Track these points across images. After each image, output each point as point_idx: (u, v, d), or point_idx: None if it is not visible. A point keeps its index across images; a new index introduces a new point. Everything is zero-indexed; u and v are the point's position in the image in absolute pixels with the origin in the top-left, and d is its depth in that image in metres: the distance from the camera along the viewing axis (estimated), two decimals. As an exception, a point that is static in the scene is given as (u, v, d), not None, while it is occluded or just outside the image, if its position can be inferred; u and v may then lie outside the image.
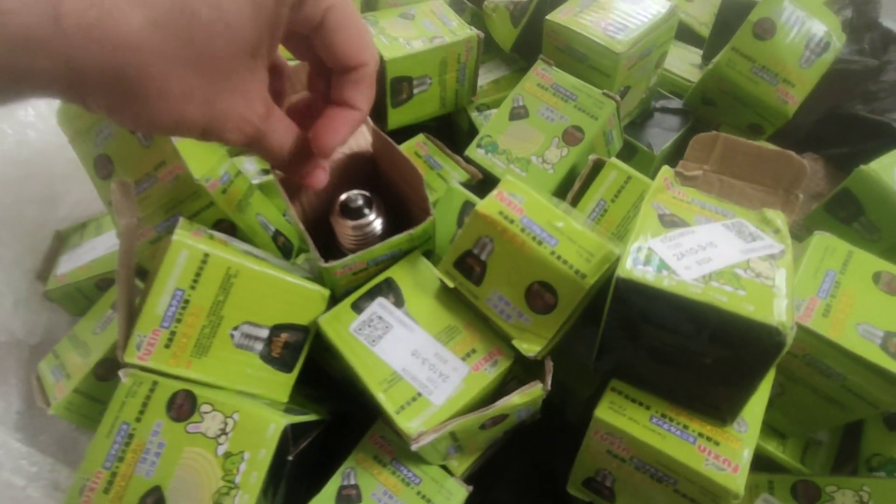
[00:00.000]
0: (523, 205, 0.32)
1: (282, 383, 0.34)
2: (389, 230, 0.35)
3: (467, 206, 0.41)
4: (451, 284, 0.33)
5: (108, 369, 0.38)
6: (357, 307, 0.33)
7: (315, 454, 0.35)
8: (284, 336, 0.33)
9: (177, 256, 0.30)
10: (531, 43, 0.54)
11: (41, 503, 0.33)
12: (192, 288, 0.30)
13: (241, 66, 0.23)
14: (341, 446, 0.36)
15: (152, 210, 0.38)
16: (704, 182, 0.36)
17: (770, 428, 0.38)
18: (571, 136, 0.42)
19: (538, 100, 0.43)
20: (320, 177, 0.29)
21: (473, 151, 0.44)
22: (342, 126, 0.27)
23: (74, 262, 0.46)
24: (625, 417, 0.29)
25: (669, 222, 0.29)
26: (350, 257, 0.32)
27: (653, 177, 0.39)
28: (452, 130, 0.58)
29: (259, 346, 0.32)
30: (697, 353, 0.27)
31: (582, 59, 0.46)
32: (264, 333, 0.32)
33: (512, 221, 0.31)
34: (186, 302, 0.30)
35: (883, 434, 0.36)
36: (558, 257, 0.30)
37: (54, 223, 0.48)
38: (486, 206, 0.32)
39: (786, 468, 0.37)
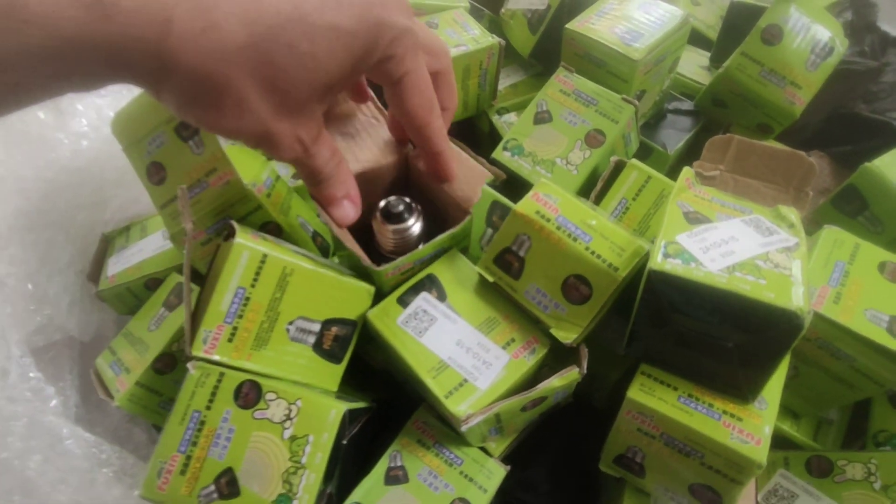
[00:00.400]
0: (558, 205, 0.34)
1: (332, 373, 0.36)
2: (426, 231, 0.37)
3: (495, 206, 0.43)
4: (490, 279, 0.35)
5: (165, 363, 0.40)
6: (403, 302, 0.36)
7: (365, 440, 0.37)
8: (335, 330, 0.35)
9: (239, 258, 0.33)
10: (549, 49, 0.57)
11: (113, 486, 0.36)
12: (253, 286, 0.33)
13: (315, 97, 0.25)
14: (385, 432, 0.38)
15: (203, 213, 0.40)
16: (720, 181, 0.38)
17: (785, 409, 0.40)
18: (593, 138, 0.45)
19: (561, 105, 0.46)
20: (349, 212, 0.32)
21: (500, 154, 0.47)
22: (448, 165, 0.35)
23: (123, 264, 0.48)
24: (654, 398, 0.32)
25: (694, 219, 0.32)
26: (400, 259, 0.34)
27: (668, 175, 0.42)
28: (474, 133, 0.61)
29: (311, 339, 0.35)
30: (721, 338, 0.30)
31: (600, 65, 0.48)
32: (316, 327, 0.35)
33: (548, 220, 0.34)
34: (247, 299, 0.33)
35: (889, 412, 0.39)
36: (592, 252, 0.33)
37: (101, 226, 0.50)
38: (524, 206, 0.34)
39: (800, 445, 0.40)
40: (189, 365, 0.32)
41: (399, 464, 0.36)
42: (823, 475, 0.37)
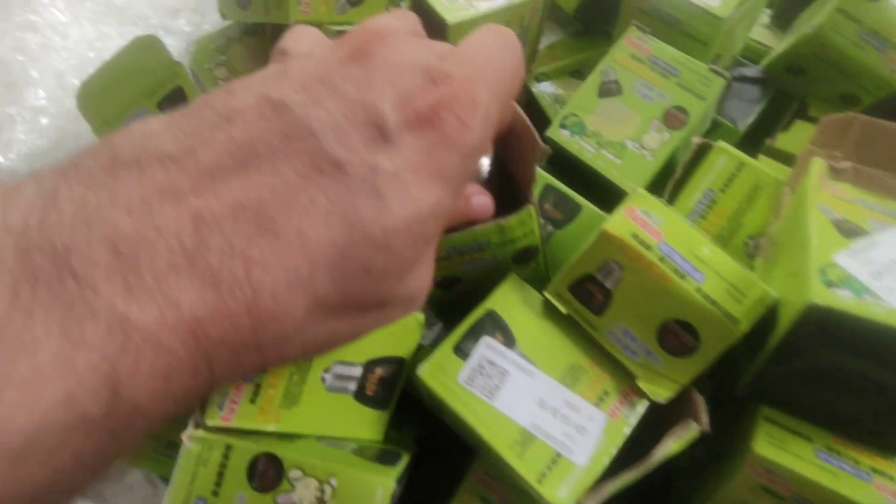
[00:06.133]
0: (660, 227, 0.27)
1: (376, 421, 0.29)
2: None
3: (548, 191, 0.36)
4: (563, 310, 0.28)
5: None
6: (461, 351, 0.28)
7: (406, 496, 0.31)
8: (379, 371, 0.28)
9: None
10: (595, 6, 0.48)
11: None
12: None
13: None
14: (437, 480, 0.32)
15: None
16: (845, 174, 0.31)
17: None
18: (674, 118, 0.37)
19: (633, 74, 0.38)
20: (486, 204, 0.23)
21: (556, 133, 0.39)
22: None
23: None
24: (788, 453, 0.25)
25: (847, 230, 0.25)
26: None
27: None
28: (506, 103, 0.53)
29: (352, 386, 0.28)
30: (877, 380, 0.24)
31: (672, 24, 0.40)
32: (357, 372, 0.28)
33: (648, 247, 0.26)
34: None
35: None
36: (705, 296, 0.25)
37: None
38: (617, 225, 0.27)
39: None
40: (184, 436, 0.24)
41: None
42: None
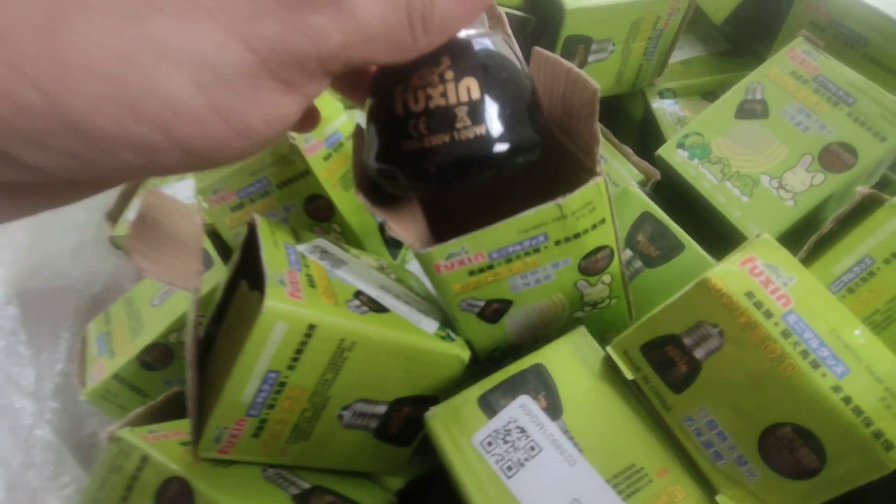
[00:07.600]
0: (791, 290, 0.19)
1: (394, 457, 0.25)
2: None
3: (646, 219, 0.29)
4: (628, 375, 0.21)
5: (156, 357, 0.30)
6: (487, 404, 0.22)
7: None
8: (406, 410, 0.23)
9: (269, 333, 0.19)
10: (753, 15, 0.40)
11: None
12: (291, 368, 0.20)
13: None
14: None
15: (235, 169, 0.29)
16: None
17: None
18: (835, 157, 0.28)
19: (788, 95, 0.29)
20: None
21: (671, 152, 0.31)
22: None
23: (149, 209, 0.38)
24: None
25: None
26: (457, 240, 0.19)
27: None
28: (618, 117, 0.46)
29: (374, 424, 0.23)
30: None
31: (854, 44, 0.31)
32: (382, 410, 0.23)
33: (769, 315, 0.18)
34: (282, 385, 0.20)
35: None
36: (845, 398, 0.17)
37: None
38: (726, 276, 0.19)
39: None
40: (105, 435, 0.21)
41: None
42: None
